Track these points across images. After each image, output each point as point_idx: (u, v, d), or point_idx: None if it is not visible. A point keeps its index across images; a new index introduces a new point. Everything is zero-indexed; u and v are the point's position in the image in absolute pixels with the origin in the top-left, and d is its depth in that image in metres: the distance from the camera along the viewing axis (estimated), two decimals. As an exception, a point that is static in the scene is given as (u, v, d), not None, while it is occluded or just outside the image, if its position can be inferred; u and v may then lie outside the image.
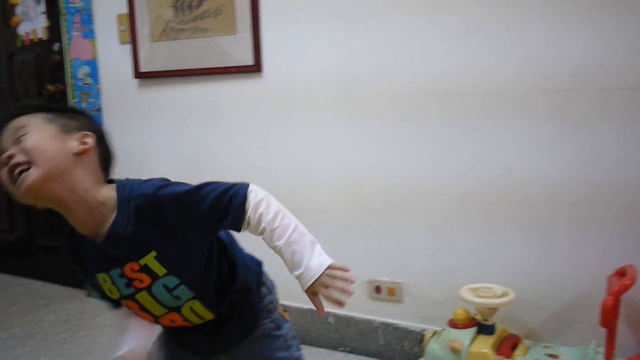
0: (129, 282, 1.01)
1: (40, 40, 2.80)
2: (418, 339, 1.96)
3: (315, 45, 2.03)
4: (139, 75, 2.43)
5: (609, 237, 1.66)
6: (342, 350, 2.14)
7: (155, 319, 1.08)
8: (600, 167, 1.64)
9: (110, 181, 1.05)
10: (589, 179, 1.66)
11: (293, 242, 1.00)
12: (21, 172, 0.91)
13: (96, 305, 2.77)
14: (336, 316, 2.14)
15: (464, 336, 1.66)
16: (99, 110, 2.62)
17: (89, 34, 2.58)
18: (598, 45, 1.61)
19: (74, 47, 2.63)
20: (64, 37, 2.66)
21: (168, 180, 1.04)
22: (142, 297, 1.02)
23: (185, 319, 1.08)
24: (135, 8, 2.36)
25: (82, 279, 1.12)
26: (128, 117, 2.54)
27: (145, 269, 0.99)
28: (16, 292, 2.99)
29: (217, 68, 2.22)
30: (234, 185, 1.00)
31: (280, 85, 2.12)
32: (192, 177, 2.59)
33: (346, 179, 2.05)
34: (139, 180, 1.04)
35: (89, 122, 1.04)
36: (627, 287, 1.46)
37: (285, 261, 1.02)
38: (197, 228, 1.00)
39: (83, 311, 2.69)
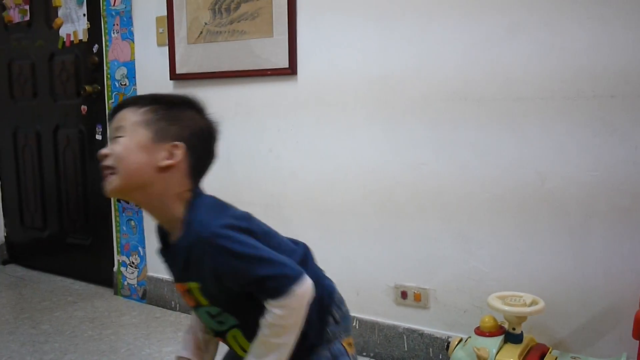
0: (181, 296, 1.05)
1: (81, 41, 2.88)
2: (443, 346, 1.94)
3: (350, 47, 2.04)
4: (175, 76, 2.48)
5: (644, 247, 1.63)
6: (365, 356, 2.12)
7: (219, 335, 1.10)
8: (637, 175, 1.61)
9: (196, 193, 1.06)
10: (625, 187, 1.63)
11: (263, 349, 0.98)
12: (109, 173, 0.98)
13: (123, 303, 2.81)
14: (361, 321, 2.13)
15: (491, 344, 1.64)
16: (134, 110, 2.68)
17: (128, 36, 2.64)
18: (638, 51, 1.59)
19: (113, 49, 2.70)
20: (104, 38, 2.73)
21: (243, 219, 1.02)
22: (194, 310, 1.06)
23: (230, 347, 1.08)
24: (173, 10, 2.42)
25: None
26: (162, 118, 2.59)
27: (190, 293, 1.02)
28: (46, 289, 3.04)
29: (253, 70, 2.25)
30: (282, 277, 0.96)
31: (314, 87, 2.14)
32: (224, 178, 2.65)
33: (377, 182, 2.05)
34: (215, 206, 1.04)
35: (191, 122, 1.03)
36: (661, 299, 1.43)
37: (251, 345, 1.01)
38: (235, 285, 0.99)
39: (110, 309, 2.73)
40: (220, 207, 1.04)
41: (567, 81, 1.69)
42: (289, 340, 0.97)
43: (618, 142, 1.63)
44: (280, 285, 0.95)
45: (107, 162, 0.98)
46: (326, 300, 1.11)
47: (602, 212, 1.67)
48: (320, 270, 1.17)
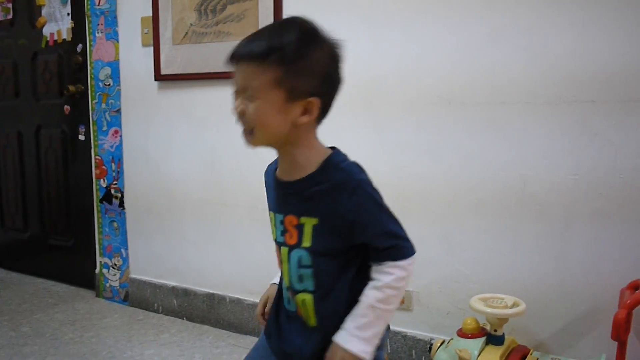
0: (284, 231, 1.04)
1: (64, 41, 2.86)
2: (426, 347, 1.95)
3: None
4: (160, 77, 2.47)
5: (623, 249, 1.65)
6: (349, 358, 2.12)
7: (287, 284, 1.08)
8: (617, 178, 1.64)
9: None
10: (605, 190, 1.66)
11: (370, 317, 0.99)
12: (247, 133, 1.00)
13: (105, 305, 2.79)
14: (344, 323, 2.13)
15: (473, 346, 1.65)
16: (118, 111, 2.66)
17: (113, 36, 2.63)
18: (619, 57, 1.62)
19: (97, 49, 2.69)
20: (88, 38, 2.71)
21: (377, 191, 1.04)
22: (284, 253, 1.04)
23: (293, 306, 1.07)
24: (159, 11, 2.41)
25: None
26: (147, 119, 2.58)
27: (299, 228, 1.01)
28: (27, 291, 3.01)
29: (237, 72, 2.24)
30: (407, 242, 1.01)
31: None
32: (208, 179, 2.64)
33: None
34: (354, 164, 1.06)
35: (320, 67, 0.99)
36: (639, 301, 1.45)
37: (352, 313, 1.01)
38: (359, 234, 1.00)
39: (92, 311, 2.70)
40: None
41: (549, 86, 1.71)
42: (393, 310, 0.99)
43: (599, 147, 1.66)
44: (405, 247, 0.99)
45: (244, 121, 0.99)
46: None
47: (583, 215, 1.70)
48: None
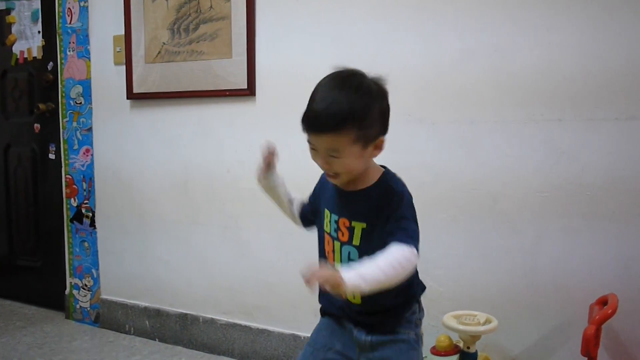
0: (337, 229, 1.22)
1: (35, 59, 2.83)
2: (401, 366, 1.95)
3: (308, 70, 2.06)
4: (132, 96, 2.46)
5: (592, 265, 1.68)
6: (323, 377, 2.11)
7: (333, 265, 1.24)
8: (584, 195, 1.67)
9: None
10: (573, 207, 1.69)
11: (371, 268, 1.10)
12: (333, 175, 1.19)
13: (75, 327, 2.73)
14: (319, 342, 2.12)
15: (447, 364, 1.66)
16: (89, 130, 2.63)
17: (85, 54, 2.61)
18: (584, 76, 1.67)
19: (69, 67, 2.66)
20: (59, 56, 2.69)
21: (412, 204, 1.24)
22: (337, 246, 1.23)
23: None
24: (131, 30, 2.40)
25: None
26: (119, 138, 2.55)
27: (351, 230, 1.20)
28: (-7, 313, 2.93)
29: (211, 91, 2.25)
30: (416, 240, 1.19)
31: (273, 108, 2.15)
32: (181, 199, 2.62)
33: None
34: (399, 180, 1.25)
35: (381, 114, 1.20)
36: (608, 316, 1.48)
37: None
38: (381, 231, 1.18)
39: (61, 334, 2.64)
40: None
41: (518, 106, 1.75)
42: (392, 278, 1.10)
43: (566, 165, 1.70)
44: (413, 243, 1.15)
45: (330, 171, 1.19)
46: (419, 291, 1.34)
47: (552, 232, 1.72)
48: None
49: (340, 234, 1.22)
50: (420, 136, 1.90)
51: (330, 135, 1.13)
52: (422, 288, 1.37)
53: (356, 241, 1.20)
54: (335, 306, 1.32)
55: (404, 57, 1.90)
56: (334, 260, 1.25)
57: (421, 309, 1.35)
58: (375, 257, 1.10)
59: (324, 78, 1.22)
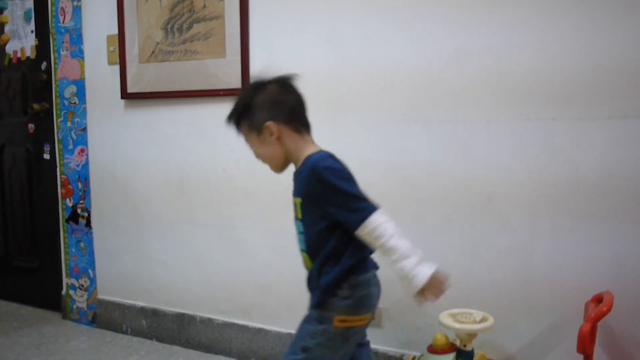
0: (294, 208, 1.42)
1: (28, 58, 2.81)
2: (397, 364, 1.96)
3: (302, 69, 2.05)
4: (126, 95, 2.45)
5: (586, 263, 1.69)
6: (320, 376, 2.12)
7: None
8: (578, 194, 1.68)
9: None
10: (567, 205, 1.70)
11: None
12: (270, 167, 1.47)
13: (72, 328, 2.73)
14: (316, 341, 2.12)
15: (444, 362, 1.66)
16: (84, 129, 2.63)
17: (78, 54, 2.60)
18: (577, 74, 1.67)
19: (62, 67, 2.65)
20: (53, 56, 2.67)
21: (339, 171, 1.37)
22: (296, 224, 1.44)
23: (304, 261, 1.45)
24: (125, 29, 2.39)
25: None
26: (114, 138, 2.55)
27: (295, 206, 1.40)
28: (-11, 314, 2.93)
29: (205, 90, 2.24)
30: (368, 204, 1.36)
31: (267, 108, 2.15)
32: (176, 198, 2.61)
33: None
34: (325, 155, 1.40)
35: (263, 103, 1.40)
36: (603, 314, 1.48)
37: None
38: (323, 207, 1.35)
39: (58, 334, 2.64)
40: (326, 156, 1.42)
41: (512, 105, 1.75)
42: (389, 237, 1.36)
43: (560, 163, 1.70)
44: (362, 210, 1.37)
45: (262, 161, 1.46)
46: (348, 272, 1.39)
47: (547, 230, 1.73)
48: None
49: (295, 212, 1.41)
50: (413, 135, 1.90)
51: (240, 130, 1.44)
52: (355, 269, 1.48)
53: (299, 214, 1.40)
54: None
55: (397, 57, 1.90)
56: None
57: (348, 298, 1.44)
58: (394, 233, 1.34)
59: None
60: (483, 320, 1.70)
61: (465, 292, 1.85)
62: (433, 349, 1.71)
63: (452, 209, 1.86)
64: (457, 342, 1.72)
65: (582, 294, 1.66)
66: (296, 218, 1.42)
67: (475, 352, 1.71)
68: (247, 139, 1.44)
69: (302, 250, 1.44)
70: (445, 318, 1.71)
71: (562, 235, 1.71)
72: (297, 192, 1.41)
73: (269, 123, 1.38)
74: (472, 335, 1.68)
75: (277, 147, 1.40)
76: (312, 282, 1.43)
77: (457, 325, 1.67)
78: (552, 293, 1.74)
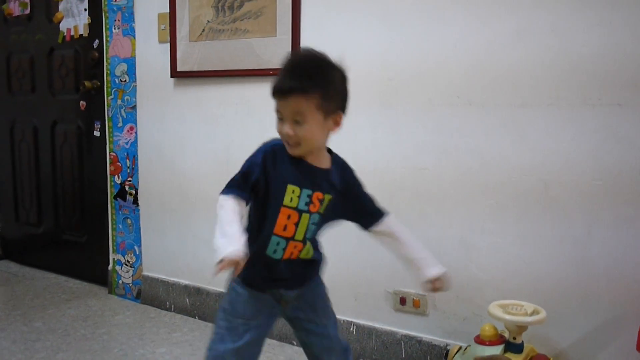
0: (309, 202, 1.33)
1: (81, 36, 2.85)
2: (442, 354, 1.92)
3: (354, 49, 2.02)
4: (176, 74, 2.46)
5: (649, 258, 1.61)
6: (362, 362, 2.10)
7: (292, 238, 1.35)
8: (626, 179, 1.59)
9: None
10: (630, 196, 1.62)
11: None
12: (293, 144, 1.29)
13: (117, 302, 2.78)
14: (358, 326, 2.10)
15: (491, 353, 1.61)
16: (133, 107, 2.65)
17: (129, 32, 2.61)
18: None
19: (114, 45, 2.68)
20: (105, 34, 2.70)
21: None
22: (305, 217, 1.34)
23: (300, 251, 1.37)
24: (176, 8, 2.39)
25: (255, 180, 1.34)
26: (163, 115, 2.56)
27: (321, 201, 1.35)
28: (40, 286, 3.01)
29: (254, 70, 2.22)
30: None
31: (316, 89, 2.11)
32: (222, 177, 2.61)
33: (378, 186, 1.99)
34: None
35: (342, 89, 1.34)
36: (666, 311, 1.41)
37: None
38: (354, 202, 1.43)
39: (104, 308, 2.70)
40: None
41: (574, 88, 1.67)
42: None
43: (624, 151, 1.62)
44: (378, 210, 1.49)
45: (293, 139, 1.27)
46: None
47: (607, 221, 1.65)
48: None
49: (311, 206, 1.34)
50: (468, 119, 1.84)
51: (297, 97, 1.24)
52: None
53: (321, 210, 1.36)
54: (260, 278, 1.40)
55: (454, 37, 1.84)
56: (295, 230, 1.34)
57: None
58: (410, 237, 1.48)
59: (297, 54, 1.41)
60: (534, 313, 1.64)
61: (517, 283, 1.80)
62: (481, 340, 1.67)
63: (506, 196, 1.79)
64: (506, 334, 1.67)
65: (643, 290, 1.58)
66: (315, 212, 1.35)
67: (525, 345, 1.65)
68: (303, 112, 1.25)
69: (307, 240, 1.38)
70: (495, 309, 1.66)
71: (623, 226, 1.63)
72: (329, 189, 1.36)
73: (341, 113, 1.33)
74: (522, 327, 1.63)
75: (325, 137, 1.33)
76: (312, 266, 1.45)
77: (508, 317, 1.62)
78: (610, 287, 1.66)
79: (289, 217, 1.33)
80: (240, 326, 1.40)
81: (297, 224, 1.34)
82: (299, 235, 1.35)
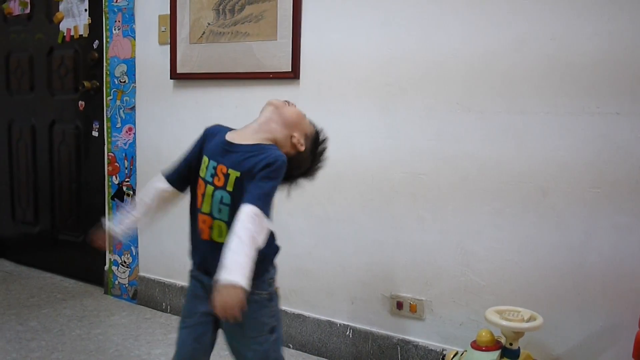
0: (214, 174, 1.34)
1: (81, 37, 2.85)
2: (438, 358, 1.92)
3: (354, 54, 2.03)
4: (176, 76, 2.46)
5: (645, 266, 1.62)
6: (358, 366, 2.10)
7: (199, 210, 1.37)
8: (640, 194, 1.61)
9: None
10: (628, 205, 1.63)
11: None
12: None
13: (113, 303, 2.78)
14: (354, 330, 2.11)
15: (487, 359, 1.62)
16: (132, 108, 2.65)
17: (130, 33, 2.62)
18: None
19: (114, 45, 2.68)
20: (105, 35, 2.70)
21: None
22: (209, 190, 1.34)
23: (211, 227, 1.36)
24: (177, 10, 2.40)
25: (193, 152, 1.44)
26: (161, 117, 2.57)
27: (226, 176, 1.33)
28: (35, 285, 3.00)
29: (254, 73, 2.23)
30: (266, 202, 1.31)
31: (316, 92, 2.12)
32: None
33: (376, 191, 2.03)
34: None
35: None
36: (661, 320, 1.42)
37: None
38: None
39: (100, 308, 2.69)
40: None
41: (572, 96, 1.68)
42: (255, 250, 1.23)
43: (622, 160, 1.63)
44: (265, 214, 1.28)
45: (282, 112, 1.44)
46: (275, 251, 1.45)
47: (604, 229, 1.66)
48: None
49: (215, 179, 1.34)
50: (467, 125, 1.85)
51: None
52: (276, 250, 1.46)
53: (229, 187, 1.32)
54: (193, 262, 1.45)
55: (454, 43, 1.85)
56: (202, 202, 1.36)
57: (274, 268, 1.45)
58: (235, 242, 1.20)
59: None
60: (531, 319, 1.65)
61: (513, 289, 1.80)
62: (477, 346, 1.67)
63: (504, 203, 1.80)
64: (503, 340, 1.67)
65: (638, 298, 1.59)
66: (220, 187, 1.33)
67: (522, 351, 1.66)
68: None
69: (216, 219, 1.35)
70: (492, 314, 1.66)
71: (620, 234, 1.64)
72: (237, 166, 1.33)
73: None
74: (519, 333, 1.63)
75: (281, 137, 1.42)
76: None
77: (504, 323, 1.62)
78: (606, 295, 1.67)
79: (200, 186, 1.37)
80: (182, 329, 1.46)
81: (203, 195, 1.36)
82: (205, 208, 1.35)
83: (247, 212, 1.23)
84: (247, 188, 1.29)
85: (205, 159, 1.38)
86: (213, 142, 1.40)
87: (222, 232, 1.33)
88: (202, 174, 1.37)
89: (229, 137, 1.39)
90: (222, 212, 1.33)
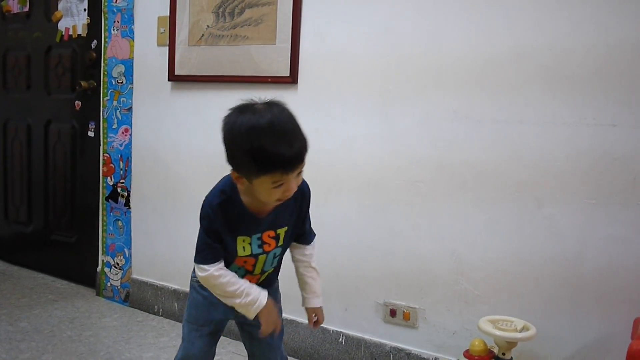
0: (261, 244, 1.38)
1: (79, 36, 2.84)
2: (430, 367, 1.92)
3: (352, 61, 2.03)
4: (173, 78, 2.45)
5: (639, 278, 1.61)
6: (350, 373, 2.09)
7: (251, 272, 1.43)
8: (636, 205, 1.61)
9: None
10: (623, 217, 1.63)
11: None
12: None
13: (105, 305, 2.76)
14: (347, 337, 2.10)
15: (480, 368, 1.62)
16: (129, 109, 2.64)
17: (128, 34, 2.61)
18: (641, 83, 1.59)
19: (112, 46, 2.67)
20: (103, 35, 2.70)
21: None
22: (262, 257, 1.41)
23: (259, 280, 1.46)
24: (176, 11, 2.39)
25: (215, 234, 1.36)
26: (158, 119, 2.56)
27: (276, 237, 1.40)
28: (27, 285, 2.98)
29: (253, 77, 2.22)
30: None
31: (314, 97, 2.12)
32: (216, 182, 2.59)
33: (373, 197, 2.03)
34: None
35: None
36: (654, 332, 1.42)
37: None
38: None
39: (91, 310, 2.67)
40: None
41: (569, 107, 1.68)
42: None
43: (617, 172, 1.63)
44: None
45: (294, 190, 1.29)
46: None
47: (599, 241, 1.66)
48: None
49: (266, 246, 1.39)
50: (464, 134, 1.85)
51: (302, 163, 1.27)
52: None
53: (280, 242, 1.42)
54: None
55: (452, 52, 1.85)
56: (254, 267, 1.42)
57: None
58: (314, 274, 1.55)
59: (275, 118, 1.27)
60: (524, 329, 1.65)
61: (507, 299, 1.80)
62: (470, 355, 1.67)
63: (499, 212, 1.80)
64: (496, 350, 1.67)
65: (632, 309, 1.59)
66: (273, 249, 1.42)
67: (514, 361, 1.65)
68: (299, 172, 1.29)
69: (266, 272, 1.46)
70: (485, 324, 1.66)
71: (615, 246, 1.64)
72: (282, 224, 1.40)
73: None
74: (512, 344, 1.63)
75: None
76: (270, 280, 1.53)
77: (498, 333, 1.62)
78: (600, 306, 1.67)
79: (246, 262, 1.40)
80: (193, 332, 1.50)
81: (254, 265, 1.42)
82: (257, 270, 1.43)
83: (314, 244, 1.53)
84: (305, 221, 1.47)
85: (240, 239, 1.36)
86: (232, 221, 1.36)
87: (270, 280, 1.50)
88: (242, 252, 1.37)
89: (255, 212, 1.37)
90: (274, 262, 1.46)
